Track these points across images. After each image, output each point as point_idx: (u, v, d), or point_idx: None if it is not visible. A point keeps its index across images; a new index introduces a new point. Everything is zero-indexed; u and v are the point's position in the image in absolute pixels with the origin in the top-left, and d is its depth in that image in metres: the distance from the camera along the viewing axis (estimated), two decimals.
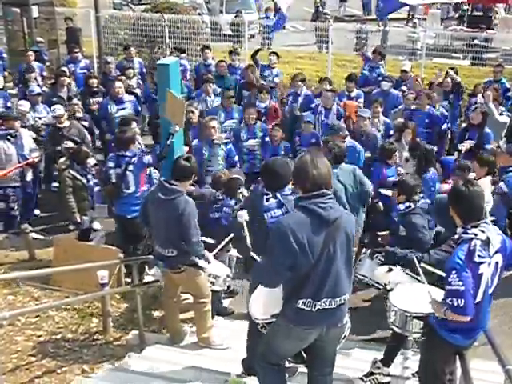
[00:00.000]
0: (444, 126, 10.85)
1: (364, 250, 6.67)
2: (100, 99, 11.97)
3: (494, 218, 6.29)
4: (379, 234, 7.60)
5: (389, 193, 8.09)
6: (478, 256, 4.32)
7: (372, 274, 6.37)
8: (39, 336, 6.78)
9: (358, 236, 7.47)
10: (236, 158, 9.53)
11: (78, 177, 8.72)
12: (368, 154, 9.51)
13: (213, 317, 6.98)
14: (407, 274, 5.97)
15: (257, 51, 14.19)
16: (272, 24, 18.24)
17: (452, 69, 12.71)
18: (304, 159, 4.22)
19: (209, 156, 9.16)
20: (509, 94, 12.45)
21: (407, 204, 6.77)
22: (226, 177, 7.71)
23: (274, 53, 14.10)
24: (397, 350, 6.07)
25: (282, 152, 10.09)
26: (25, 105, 10.72)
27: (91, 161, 8.89)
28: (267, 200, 5.53)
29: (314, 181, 4.12)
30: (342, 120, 10.75)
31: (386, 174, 8.76)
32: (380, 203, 8.79)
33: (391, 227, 7.48)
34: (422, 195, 7.25)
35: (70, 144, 9.41)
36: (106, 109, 11.10)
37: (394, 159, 8.81)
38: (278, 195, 5.50)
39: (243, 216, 5.62)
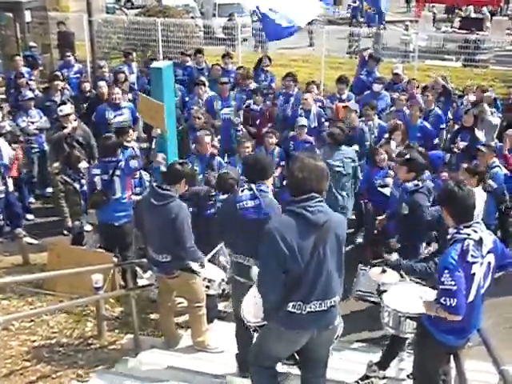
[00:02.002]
0: (436, 141, 10.82)
1: (360, 265, 6.62)
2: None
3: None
4: (377, 218, 7.62)
5: (388, 181, 8.16)
6: (472, 256, 4.35)
7: (371, 288, 6.30)
8: (33, 341, 6.76)
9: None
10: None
11: (71, 181, 8.69)
12: (356, 148, 9.49)
13: (211, 321, 6.99)
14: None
15: (259, 61, 14.22)
16: None
17: (445, 78, 12.70)
18: (294, 164, 4.24)
19: (200, 171, 8.95)
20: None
21: (415, 182, 6.77)
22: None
23: (266, 56, 14.17)
24: (394, 354, 6.08)
25: (277, 159, 10.10)
26: None
27: (83, 164, 8.84)
28: (242, 191, 5.54)
29: (302, 185, 4.13)
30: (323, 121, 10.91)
31: (373, 176, 8.83)
32: (370, 204, 8.85)
33: (389, 211, 7.52)
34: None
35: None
36: (103, 115, 10.77)
37: (383, 161, 8.82)
38: (253, 187, 5.48)
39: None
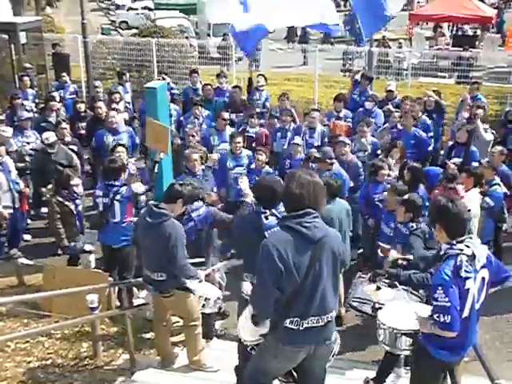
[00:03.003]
0: (430, 148, 10.87)
1: (359, 273, 6.62)
2: None
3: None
4: (380, 244, 7.63)
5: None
6: (465, 271, 4.34)
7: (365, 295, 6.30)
8: (29, 362, 6.71)
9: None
10: (214, 188, 9.32)
11: (66, 202, 8.68)
12: (351, 184, 9.36)
13: (209, 339, 6.98)
14: (412, 293, 5.93)
15: (250, 81, 14.30)
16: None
17: (434, 91, 12.76)
18: (290, 180, 4.23)
19: None
20: None
21: (410, 224, 6.83)
22: None
23: (261, 75, 14.22)
24: (390, 369, 6.07)
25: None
26: (7, 131, 10.52)
27: (75, 181, 8.85)
28: (266, 218, 5.53)
29: (299, 201, 4.13)
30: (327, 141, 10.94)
31: (372, 191, 8.86)
32: (371, 219, 8.85)
33: (389, 241, 7.52)
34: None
35: None
36: (101, 140, 10.78)
37: (382, 177, 8.83)
38: (275, 212, 5.49)
39: (247, 289, 5.49)
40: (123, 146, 9.70)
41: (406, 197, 7.13)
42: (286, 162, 10.23)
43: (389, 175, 8.93)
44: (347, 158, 9.62)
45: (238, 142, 9.87)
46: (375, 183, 8.89)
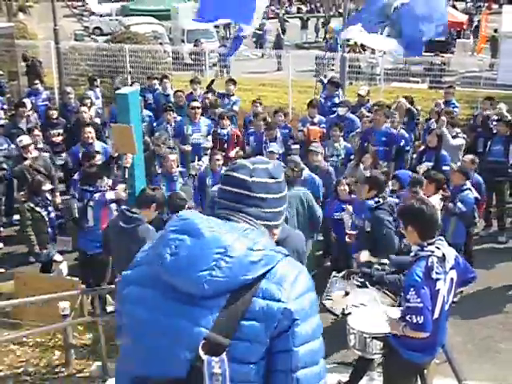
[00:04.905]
0: (402, 143, 10.90)
1: (334, 273, 6.63)
2: (61, 131, 11.89)
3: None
4: (348, 232, 7.65)
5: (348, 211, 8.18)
6: (436, 273, 4.39)
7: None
8: (0, 370, 6.65)
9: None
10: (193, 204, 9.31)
11: (37, 209, 8.60)
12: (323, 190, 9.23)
13: None
14: (385, 293, 5.94)
15: (211, 82, 14.36)
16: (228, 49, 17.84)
17: (406, 97, 12.85)
18: None
19: (167, 190, 8.76)
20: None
21: (376, 199, 6.87)
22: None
23: (231, 80, 14.20)
24: (363, 373, 6.08)
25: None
26: None
27: (46, 187, 8.77)
28: None
29: None
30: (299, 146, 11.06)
31: (334, 208, 8.76)
32: (334, 234, 8.83)
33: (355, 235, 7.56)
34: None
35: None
36: (77, 157, 10.39)
37: (343, 193, 8.66)
38: None
39: None
40: (99, 153, 9.59)
41: (368, 174, 7.19)
42: None
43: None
44: (319, 164, 9.63)
45: (218, 160, 9.67)
46: (337, 201, 8.78)
